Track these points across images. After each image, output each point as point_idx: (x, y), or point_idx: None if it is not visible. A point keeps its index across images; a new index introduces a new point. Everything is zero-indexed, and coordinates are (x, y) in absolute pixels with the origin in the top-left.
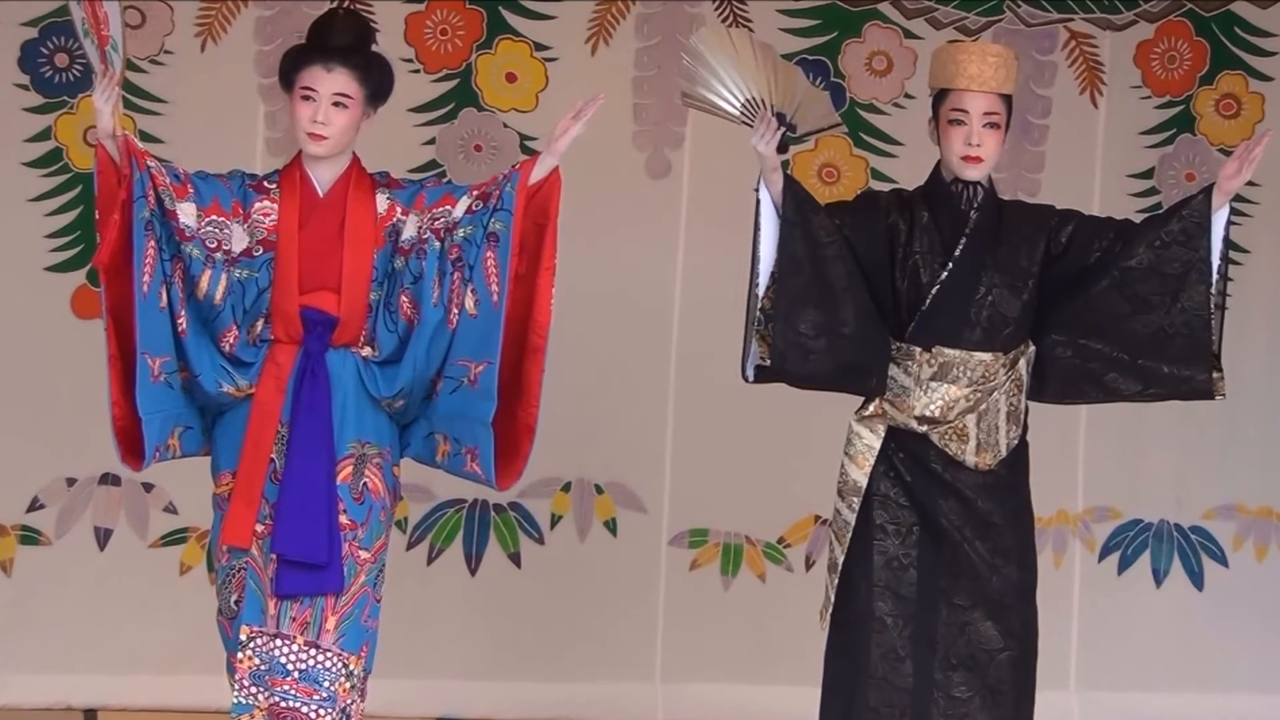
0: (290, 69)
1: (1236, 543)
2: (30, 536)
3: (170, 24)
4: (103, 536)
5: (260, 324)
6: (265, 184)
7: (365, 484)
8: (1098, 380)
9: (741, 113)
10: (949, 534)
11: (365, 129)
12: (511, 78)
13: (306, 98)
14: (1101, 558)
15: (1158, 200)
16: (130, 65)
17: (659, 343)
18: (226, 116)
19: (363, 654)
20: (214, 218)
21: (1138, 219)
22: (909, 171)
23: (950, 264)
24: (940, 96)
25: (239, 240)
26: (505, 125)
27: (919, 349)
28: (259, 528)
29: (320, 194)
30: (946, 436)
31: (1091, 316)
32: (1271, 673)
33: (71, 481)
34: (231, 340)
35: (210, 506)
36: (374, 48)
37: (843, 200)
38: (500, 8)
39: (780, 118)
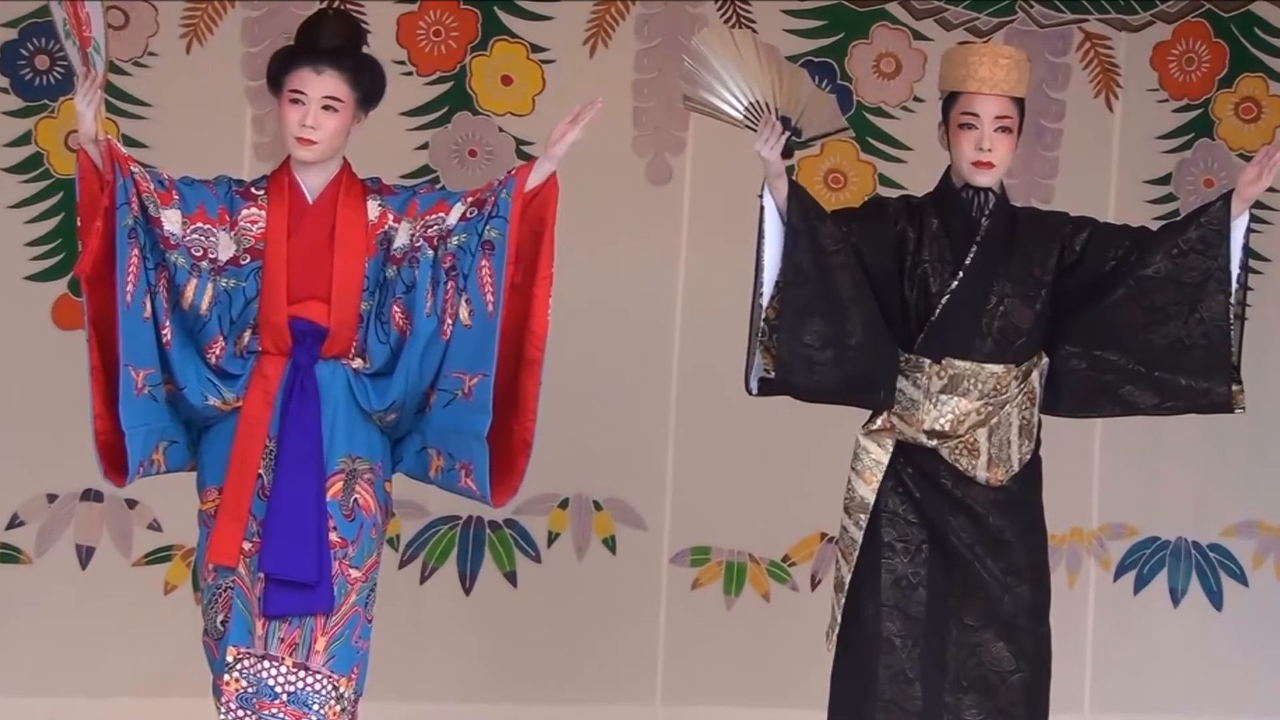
0: (278, 71)
1: (1257, 561)
2: (9, 555)
3: (154, 25)
4: (84, 555)
5: (247, 335)
6: (253, 190)
7: (356, 500)
8: (1113, 393)
9: (745, 117)
10: (959, 552)
11: (356, 133)
12: (507, 80)
13: (295, 101)
14: (1117, 576)
15: (1175, 207)
16: (113, 67)
17: (660, 354)
18: (212, 120)
19: (353, 676)
20: (199, 225)
21: (1155, 226)
22: (918, 177)
23: (961, 273)
24: (950, 100)
25: (225, 248)
26: (501, 129)
27: (928, 361)
28: (246, 545)
29: (309, 200)
30: (957, 451)
31: (1107, 327)
32: None
33: (52, 498)
34: (218, 352)
35: (196, 523)
36: (365, 49)
37: (849, 207)
38: (495, 8)
39: (785, 122)
